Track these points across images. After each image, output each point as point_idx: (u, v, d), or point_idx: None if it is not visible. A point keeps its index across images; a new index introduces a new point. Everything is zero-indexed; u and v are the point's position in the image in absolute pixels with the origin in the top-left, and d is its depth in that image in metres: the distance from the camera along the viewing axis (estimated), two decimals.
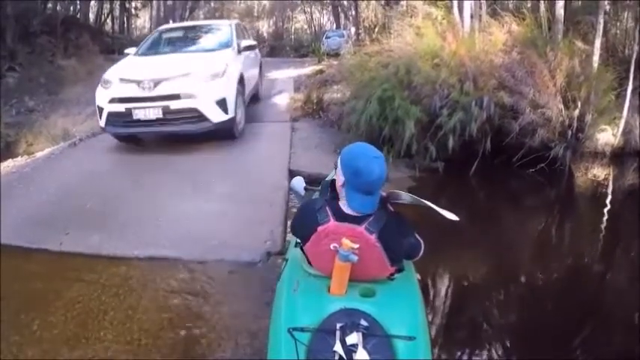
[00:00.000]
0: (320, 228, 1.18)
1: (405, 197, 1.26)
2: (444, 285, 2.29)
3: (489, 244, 2.71)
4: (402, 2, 7.45)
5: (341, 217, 1.19)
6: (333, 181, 1.37)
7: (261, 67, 6.34)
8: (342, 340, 1.08)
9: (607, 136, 4.35)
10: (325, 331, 1.11)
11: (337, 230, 1.17)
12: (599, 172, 4.14)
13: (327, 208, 1.20)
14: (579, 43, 4.32)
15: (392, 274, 1.27)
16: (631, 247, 2.78)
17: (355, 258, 1.14)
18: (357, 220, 1.18)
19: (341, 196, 1.22)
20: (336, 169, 1.35)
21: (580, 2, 5.90)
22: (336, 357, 1.06)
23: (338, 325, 1.11)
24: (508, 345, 1.82)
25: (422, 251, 1.32)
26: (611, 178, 4.05)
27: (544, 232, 3.04)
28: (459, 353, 1.75)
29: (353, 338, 1.09)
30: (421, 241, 1.31)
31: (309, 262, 1.32)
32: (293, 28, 22.45)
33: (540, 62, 3.99)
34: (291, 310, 1.21)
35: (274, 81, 8.17)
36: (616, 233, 3.02)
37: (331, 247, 1.16)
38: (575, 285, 2.28)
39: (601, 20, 4.39)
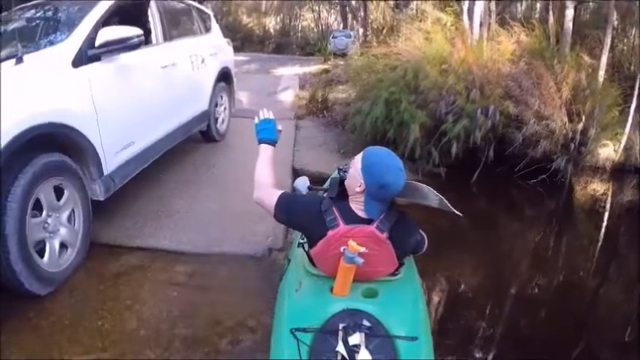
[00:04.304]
0: (330, 233, 1.16)
1: (410, 193, 1.23)
2: (435, 289, 2.29)
3: (484, 252, 2.73)
4: (411, 6, 7.46)
5: (350, 218, 1.17)
6: (342, 179, 1.34)
7: (226, 80, 3.73)
8: (344, 340, 1.08)
9: (608, 152, 4.37)
10: (328, 332, 1.11)
11: (348, 233, 1.15)
12: (599, 187, 4.16)
13: (335, 209, 1.18)
14: (586, 57, 4.34)
15: (395, 270, 1.29)
16: (623, 263, 2.81)
17: (360, 261, 1.13)
18: (367, 220, 1.18)
19: (355, 199, 1.20)
20: (340, 171, 1.33)
21: (589, 16, 5.92)
22: (339, 357, 1.06)
23: (340, 326, 1.11)
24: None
25: (426, 245, 1.33)
26: (610, 193, 4.07)
27: (539, 243, 3.05)
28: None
29: (355, 339, 1.09)
30: (424, 236, 1.32)
31: (312, 264, 1.32)
32: (300, 26, 22.39)
33: (547, 74, 4.00)
34: (293, 310, 1.21)
35: (280, 77, 8.18)
36: (610, 250, 3.04)
37: (341, 249, 1.14)
38: (566, 297, 2.31)
39: (609, 35, 4.42)
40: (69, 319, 1.57)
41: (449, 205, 1.13)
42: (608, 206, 3.77)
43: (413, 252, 1.33)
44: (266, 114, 1.42)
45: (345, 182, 1.24)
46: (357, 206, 1.19)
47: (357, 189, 1.16)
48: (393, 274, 1.29)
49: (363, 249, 1.12)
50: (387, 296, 1.23)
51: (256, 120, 1.42)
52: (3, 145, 1.46)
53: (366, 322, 1.13)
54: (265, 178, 1.30)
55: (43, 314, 1.59)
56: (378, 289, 1.25)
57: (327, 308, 1.17)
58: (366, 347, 1.07)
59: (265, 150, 1.36)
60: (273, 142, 1.38)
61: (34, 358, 1.40)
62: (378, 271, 1.25)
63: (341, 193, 1.27)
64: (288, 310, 1.21)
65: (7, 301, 1.58)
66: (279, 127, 1.42)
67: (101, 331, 1.53)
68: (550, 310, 2.16)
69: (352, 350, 1.06)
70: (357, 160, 1.19)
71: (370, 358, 1.05)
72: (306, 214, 1.22)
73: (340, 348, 1.07)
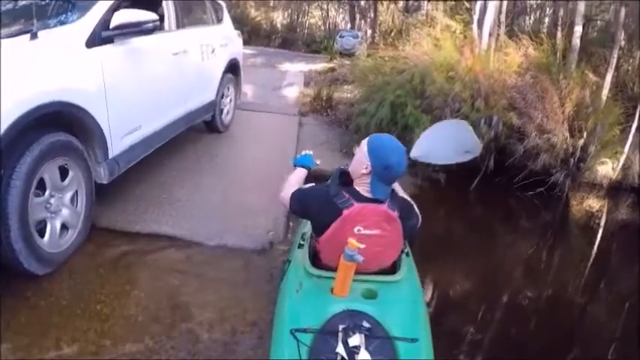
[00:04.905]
0: (346, 212, 1.21)
1: (427, 150, 1.28)
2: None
3: (476, 260, 2.76)
4: (422, 11, 7.47)
5: (360, 199, 1.24)
6: (343, 171, 1.39)
7: (234, 71, 3.75)
8: (344, 341, 1.10)
9: (606, 169, 4.41)
10: (328, 333, 1.12)
11: (362, 211, 1.21)
12: (595, 203, 4.21)
13: (344, 192, 1.24)
14: (591, 75, 4.38)
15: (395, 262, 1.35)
16: (613, 278, 2.86)
17: (360, 258, 1.16)
18: (374, 200, 1.24)
19: (361, 181, 1.27)
20: (341, 169, 1.40)
21: (596, 34, 5.97)
22: (339, 358, 1.07)
23: (340, 327, 1.13)
24: None
25: (420, 221, 1.39)
26: (605, 211, 4.12)
27: (530, 255, 3.09)
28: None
29: (355, 340, 1.10)
30: (419, 214, 1.38)
31: (313, 264, 1.33)
32: (307, 23, 22.30)
33: (552, 88, 4.04)
34: (293, 311, 1.22)
35: (285, 73, 8.17)
36: (601, 265, 3.08)
37: (355, 230, 1.20)
38: (553, 309, 2.35)
39: (615, 55, 4.46)
40: (67, 301, 1.57)
41: (476, 138, 1.19)
42: (602, 223, 3.82)
43: (410, 232, 1.37)
44: (307, 151, 1.68)
45: (350, 168, 1.34)
46: (363, 187, 1.26)
47: (363, 171, 1.24)
48: (393, 270, 1.32)
49: (362, 245, 1.16)
50: (387, 297, 1.24)
51: (299, 154, 1.69)
52: (13, 120, 1.40)
53: (365, 324, 1.15)
54: (291, 186, 1.45)
55: (41, 294, 1.58)
56: (378, 290, 1.26)
57: (327, 309, 1.18)
58: (366, 348, 1.09)
59: (300, 171, 1.58)
60: (309, 168, 1.61)
61: (30, 336, 1.40)
62: (388, 256, 1.31)
63: (343, 182, 1.34)
64: (289, 310, 1.22)
65: (5, 279, 1.57)
66: (318, 162, 1.65)
67: (100, 314, 1.53)
68: (538, 320, 2.20)
69: (352, 351, 1.08)
70: (363, 144, 1.28)
71: (370, 359, 1.06)
72: (316, 202, 1.30)
73: (340, 349, 1.08)
